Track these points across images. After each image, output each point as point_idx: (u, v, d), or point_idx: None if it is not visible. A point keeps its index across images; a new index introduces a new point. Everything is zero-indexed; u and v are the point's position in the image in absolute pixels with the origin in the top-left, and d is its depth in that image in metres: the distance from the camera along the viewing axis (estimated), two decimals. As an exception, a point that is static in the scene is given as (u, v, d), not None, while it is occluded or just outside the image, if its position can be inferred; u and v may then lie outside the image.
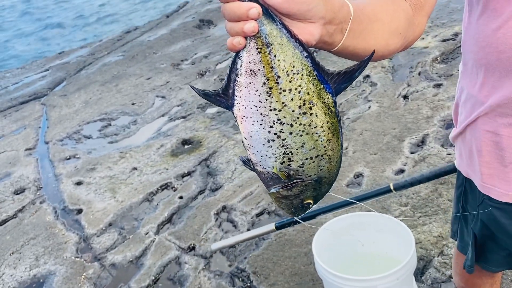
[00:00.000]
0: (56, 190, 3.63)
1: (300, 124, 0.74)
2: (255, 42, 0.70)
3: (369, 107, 3.62)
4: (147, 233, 2.94)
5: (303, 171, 0.79)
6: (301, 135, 0.75)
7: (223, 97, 0.75)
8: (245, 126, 0.75)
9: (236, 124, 0.76)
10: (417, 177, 1.66)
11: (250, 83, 0.72)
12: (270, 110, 0.73)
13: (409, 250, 1.79)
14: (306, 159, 0.78)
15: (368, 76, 4.10)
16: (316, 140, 0.76)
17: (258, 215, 2.87)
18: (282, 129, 0.74)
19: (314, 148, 0.76)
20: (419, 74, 3.94)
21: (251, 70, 0.71)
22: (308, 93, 0.72)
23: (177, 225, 2.95)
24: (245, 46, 0.69)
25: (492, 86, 1.03)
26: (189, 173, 3.47)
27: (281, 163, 0.77)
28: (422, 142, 3.08)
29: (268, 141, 0.75)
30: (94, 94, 5.40)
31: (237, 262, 2.55)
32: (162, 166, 3.63)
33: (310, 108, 0.73)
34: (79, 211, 3.31)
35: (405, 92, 3.72)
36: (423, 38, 4.54)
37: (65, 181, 3.71)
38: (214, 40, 6.39)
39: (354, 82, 3.79)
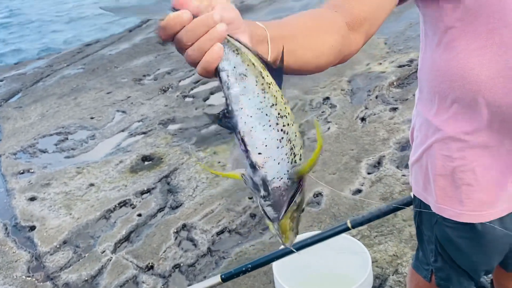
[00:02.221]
0: (8, 206, 3.48)
1: (288, 113, 0.72)
2: (229, 47, 0.68)
3: (329, 128, 3.72)
4: (103, 251, 2.87)
5: (301, 164, 0.74)
6: (293, 124, 0.72)
7: (229, 118, 0.70)
8: (257, 137, 0.70)
9: (243, 147, 0.71)
10: (374, 212, 1.72)
11: (245, 87, 0.68)
12: (271, 106, 0.70)
13: (365, 269, 1.85)
14: (300, 149, 0.74)
15: (328, 98, 4.22)
16: (295, 127, 0.73)
17: (218, 233, 2.86)
18: (283, 122, 0.71)
19: (297, 136, 0.73)
20: (376, 97, 4.09)
21: (239, 74, 0.68)
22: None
23: (135, 244, 2.90)
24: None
25: (446, 112, 1.11)
26: (148, 190, 3.42)
27: (292, 162, 0.73)
28: (378, 163, 3.19)
29: (280, 140, 0.71)
30: (51, 107, 5.25)
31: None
32: (120, 183, 3.56)
33: (282, 97, 0.71)
34: (32, 228, 3.19)
35: (363, 114, 3.85)
36: (380, 64, 4.73)
37: (18, 196, 3.57)
38: (178, 56, 6.36)
39: (314, 103, 3.82)
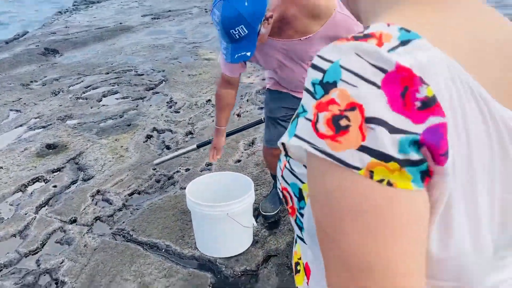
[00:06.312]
0: None
1: None
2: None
3: (213, 121, 4.63)
4: (26, 213, 3.31)
5: None
6: None
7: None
8: None
9: None
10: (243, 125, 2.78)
11: None
12: None
13: (249, 188, 2.76)
14: None
15: (210, 100, 5.16)
16: None
17: (130, 194, 3.53)
18: None
19: None
20: (247, 100, 5.16)
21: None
22: None
23: (56, 206, 3.40)
24: None
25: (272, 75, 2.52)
26: (59, 169, 3.90)
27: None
28: (252, 143, 4.19)
29: None
30: None
31: (116, 226, 3.16)
32: (29, 165, 3.96)
33: None
34: None
35: (238, 111, 4.87)
36: (249, 77, 5.85)
37: None
38: (63, 66, 6.75)
39: (199, 104, 4.81)
